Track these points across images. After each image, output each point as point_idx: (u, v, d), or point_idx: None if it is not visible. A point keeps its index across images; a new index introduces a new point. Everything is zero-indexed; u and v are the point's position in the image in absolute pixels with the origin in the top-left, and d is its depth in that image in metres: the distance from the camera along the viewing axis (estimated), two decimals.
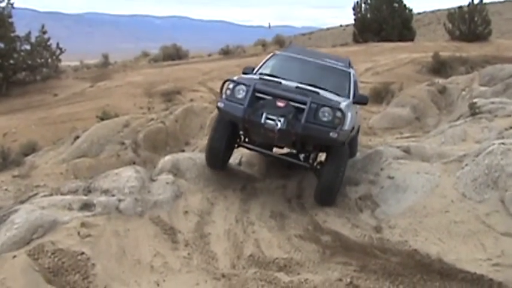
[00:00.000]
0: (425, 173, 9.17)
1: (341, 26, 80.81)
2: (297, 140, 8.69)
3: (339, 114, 8.56)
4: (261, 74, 10.24)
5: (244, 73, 10.41)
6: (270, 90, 8.84)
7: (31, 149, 17.96)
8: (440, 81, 21.14)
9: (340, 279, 6.72)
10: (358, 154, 11.47)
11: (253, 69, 10.55)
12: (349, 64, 11.17)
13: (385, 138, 16.15)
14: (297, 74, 10.17)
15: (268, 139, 8.89)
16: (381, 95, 22.26)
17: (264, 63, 10.82)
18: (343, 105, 8.89)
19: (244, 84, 8.92)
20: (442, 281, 6.75)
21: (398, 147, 10.81)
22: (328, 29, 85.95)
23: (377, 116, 19.09)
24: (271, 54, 11.35)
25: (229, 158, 10.04)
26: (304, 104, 8.53)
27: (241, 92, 8.85)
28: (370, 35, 44.11)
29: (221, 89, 9.18)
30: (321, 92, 9.35)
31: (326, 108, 8.59)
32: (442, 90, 19.52)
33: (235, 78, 9.37)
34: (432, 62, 28.45)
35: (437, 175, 9.03)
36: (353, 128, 9.58)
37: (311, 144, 9.24)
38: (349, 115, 8.88)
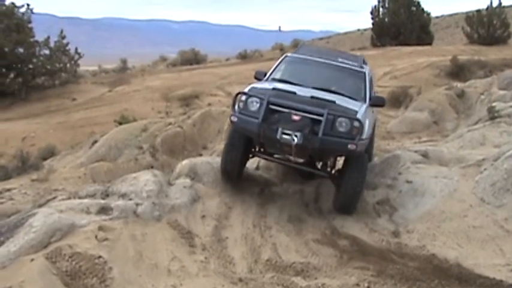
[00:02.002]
0: (443, 178, 9.11)
1: (359, 30, 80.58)
2: (314, 153, 8.51)
3: (356, 124, 8.33)
4: (273, 79, 10.07)
5: (256, 78, 10.24)
6: (284, 103, 8.57)
7: (50, 153, 18.16)
8: (459, 85, 21.04)
9: (358, 284, 6.69)
10: (376, 158, 11.42)
11: (265, 74, 10.29)
12: (363, 62, 10.87)
13: (403, 142, 16.08)
14: (310, 78, 9.97)
15: (284, 153, 8.72)
16: (399, 99, 22.19)
17: (276, 66, 10.54)
18: (360, 113, 8.68)
19: (257, 97, 8.68)
20: (461, 286, 6.70)
21: (416, 151, 10.73)
22: (346, 33, 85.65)
23: (395, 120, 19.02)
24: (283, 56, 11.05)
25: (244, 166, 9.80)
26: (321, 115, 8.31)
27: (254, 104, 8.62)
28: (388, 39, 44.04)
29: (233, 101, 8.93)
30: (337, 99, 9.04)
31: (343, 119, 8.36)
32: (461, 94, 19.41)
33: (247, 89, 9.11)
34: (450, 65, 28.31)
35: (456, 179, 8.97)
36: (372, 132, 9.42)
37: (329, 156, 9.11)
38: (366, 123, 8.69)
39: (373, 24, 47.12)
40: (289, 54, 11.11)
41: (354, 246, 8.01)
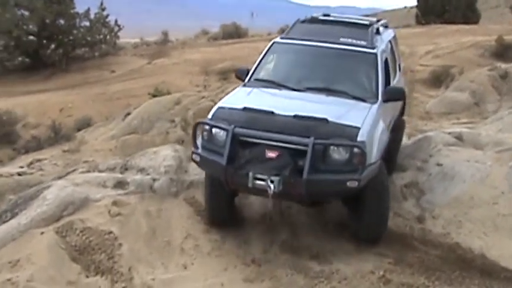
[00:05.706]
0: (475, 162, 8.71)
1: (405, 7, 79.22)
2: (302, 198, 6.64)
3: (357, 150, 6.36)
4: (256, 80, 8.14)
5: (237, 77, 8.47)
6: (255, 134, 6.57)
7: (86, 124, 18.26)
8: (503, 65, 20.39)
9: (373, 272, 6.45)
10: (408, 140, 11.06)
11: (248, 71, 8.33)
12: (377, 31, 8.56)
13: (441, 123, 15.64)
14: (303, 75, 8.10)
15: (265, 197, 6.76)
16: (440, 79, 21.60)
17: (262, 58, 8.47)
18: (364, 130, 6.64)
19: (221, 127, 6.73)
20: (482, 278, 6.40)
21: (450, 133, 10.37)
22: (392, 10, 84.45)
23: (434, 100, 18.52)
24: (271, 43, 8.72)
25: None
26: (305, 146, 6.31)
27: (221, 135, 6.74)
28: (433, 17, 43.10)
29: (193, 132, 7.03)
30: (332, 112, 6.85)
31: (338, 147, 6.43)
32: (504, 75, 18.76)
33: (212, 112, 7.13)
34: (495, 45, 27.46)
35: (489, 164, 8.57)
36: (388, 141, 7.73)
37: (323, 198, 7.12)
38: (376, 139, 6.90)
39: (418, 1, 46.28)
40: (278, 39, 8.76)
41: None
